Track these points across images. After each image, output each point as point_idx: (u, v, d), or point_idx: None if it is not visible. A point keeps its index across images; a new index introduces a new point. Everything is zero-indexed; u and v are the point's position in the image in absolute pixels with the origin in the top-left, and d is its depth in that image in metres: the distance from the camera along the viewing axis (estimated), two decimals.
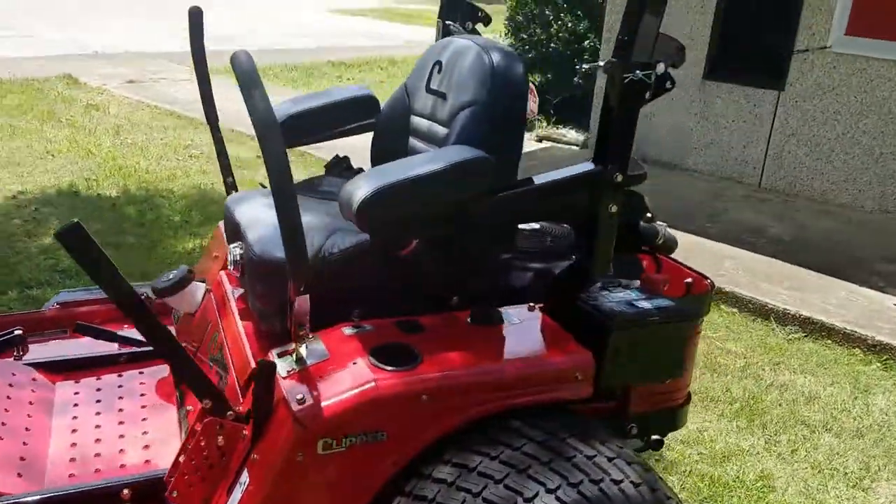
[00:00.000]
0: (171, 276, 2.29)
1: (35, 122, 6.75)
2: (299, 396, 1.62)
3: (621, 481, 1.64)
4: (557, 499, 1.57)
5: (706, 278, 2.40)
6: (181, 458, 1.72)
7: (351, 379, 1.66)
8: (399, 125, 2.29)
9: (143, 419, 2.09)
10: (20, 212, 4.77)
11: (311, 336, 1.83)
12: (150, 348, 2.36)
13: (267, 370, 1.61)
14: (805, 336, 4.16)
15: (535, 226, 2.42)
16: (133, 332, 2.42)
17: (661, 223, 2.40)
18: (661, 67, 1.76)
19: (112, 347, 2.42)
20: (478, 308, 1.95)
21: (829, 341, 4.11)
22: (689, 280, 2.40)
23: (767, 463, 3.06)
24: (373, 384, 1.63)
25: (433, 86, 2.18)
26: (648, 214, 2.38)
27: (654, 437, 2.41)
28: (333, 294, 1.88)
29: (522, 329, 1.93)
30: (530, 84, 8.53)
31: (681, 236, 5.18)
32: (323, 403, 1.61)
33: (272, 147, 1.43)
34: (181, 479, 1.71)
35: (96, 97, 7.85)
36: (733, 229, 5.41)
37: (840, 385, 3.69)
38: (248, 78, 1.42)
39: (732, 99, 6.46)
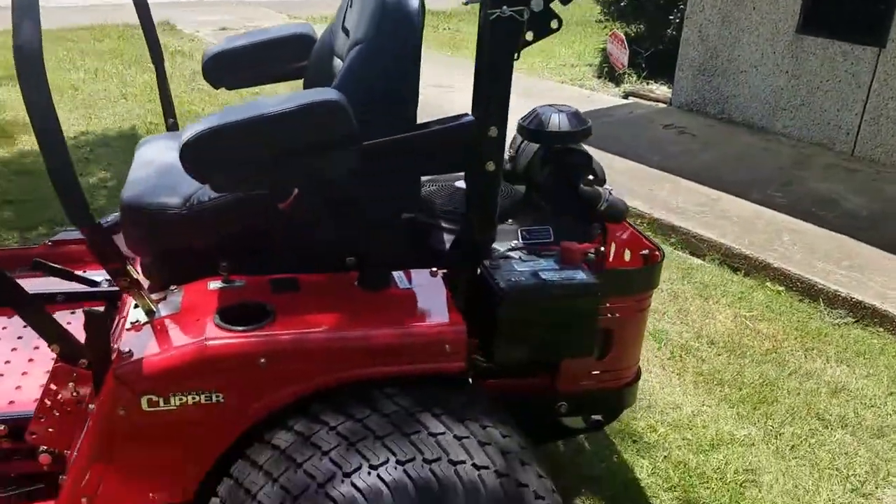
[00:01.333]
0: (112, 216, 2.30)
1: (120, 67, 7.04)
2: (127, 350, 1.58)
3: (461, 463, 1.51)
4: (379, 476, 1.46)
5: (658, 250, 2.18)
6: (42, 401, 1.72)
7: (183, 336, 1.60)
8: (325, 68, 2.16)
9: (52, 358, 2.12)
10: (75, 152, 4.99)
11: (174, 288, 1.78)
12: (94, 289, 2.40)
13: (93, 319, 1.57)
14: (854, 322, 3.76)
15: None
16: (92, 274, 2.46)
17: (607, 187, 2.19)
18: (537, 3, 1.55)
19: (68, 286, 2.46)
20: (366, 270, 1.84)
21: (881, 329, 3.70)
22: (646, 251, 2.19)
23: (759, 456, 2.79)
24: (202, 343, 1.56)
25: (345, 24, 2.04)
26: (591, 176, 2.17)
27: (595, 417, 2.25)
28: (203, 245, 1.81)
29: (407, 295, 1.80)
30: (620, 35, 8.13)
31: (743, 206, 4.83)
32: (146, 359, 1.56)
33: (33, 80, 1.34)
34: (38, 421, 1.71)
35: (186, 44, 8.10)
36: (804, 201, 4.93)
37: (876, 378, 3.31)
38: (24, 1, 1.34)
39: (827, 56, 5.86)
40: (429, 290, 1.81)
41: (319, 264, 1.83)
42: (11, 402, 1.95)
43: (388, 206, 1.83)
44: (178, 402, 1.56)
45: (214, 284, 1.75)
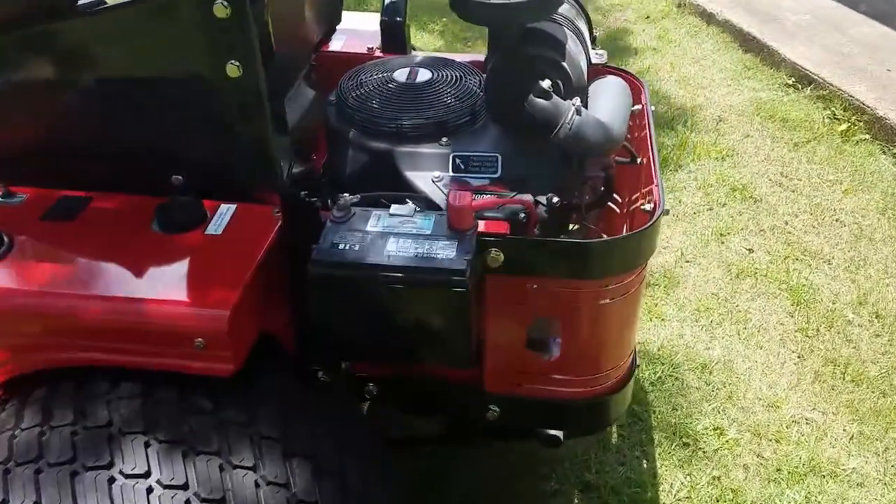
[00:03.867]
0: None
1: None
2: None
3: None
4: None
5: (653, 214, 1.39)
6: None
7: None
8: None
9: None
10: None
11: None
12: None
13: None
14: None
15: (422, 73, 1.61)
16: None
17: (575, 101, 1.43)
18: None
19: None
20: (170, 200, 1.33)
21: None
22: (648, 206, 1.43)
23: None
24: None
25: None
26: (546, 83, 1.41)
27: (550, 432, 1.66)
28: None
29: (205, 246, 1.29)
30: None
31: None
32: None
33: None
34: None
35: None
36: None
37: None
38: None
39: None
40: (242, 243, 1.29)
41: (134, 181, 1.37)
42: None
43: (210, 107, 1.30)
44: None
45: None
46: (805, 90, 3.71)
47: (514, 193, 1.38)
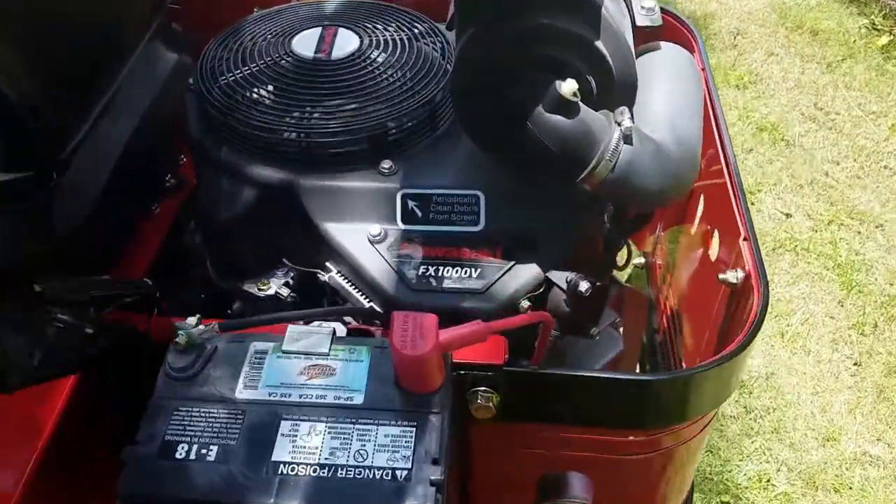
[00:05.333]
0: None
1: None
2: None
3: None
4: None
5: (746, 299, 0.87)
6: None
7: None
8: None
9: None
10: None
11: None
12: None
13: None
14: None
15: (343, 38, 1.00)
16: None
17: (622, 116, 0.83)
18: None
19: None
20: None
21: None
22: (737, 275, 0.88)
23: None
24: None
25: None
26: (569, 85, 0.78)
27: None
28: None
29: None
30: None
31: None
32: None
33: None
34: None
35: None
36: None
37: None
38: None
39: None
40: (11, 418, 0.71)
41: None
42: None
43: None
44: None
45: None
46: None
47: (511, 264, 0.81)
